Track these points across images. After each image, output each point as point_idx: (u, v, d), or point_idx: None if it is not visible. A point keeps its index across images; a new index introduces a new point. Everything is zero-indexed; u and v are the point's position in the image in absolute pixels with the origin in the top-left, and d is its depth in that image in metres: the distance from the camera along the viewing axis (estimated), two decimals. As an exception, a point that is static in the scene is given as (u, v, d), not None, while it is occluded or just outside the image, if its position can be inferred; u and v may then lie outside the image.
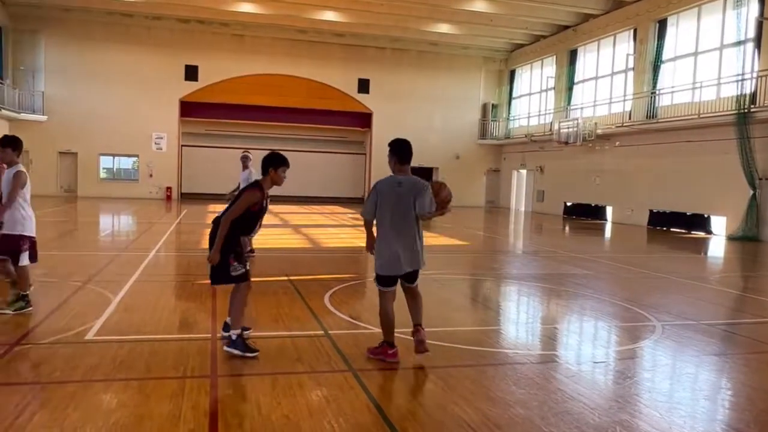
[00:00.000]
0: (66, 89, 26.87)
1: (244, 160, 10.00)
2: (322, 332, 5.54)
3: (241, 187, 8.39)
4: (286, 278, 8.28)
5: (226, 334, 4.90)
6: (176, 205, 24.83)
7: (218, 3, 24.71)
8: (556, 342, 5.90)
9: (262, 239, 13.41)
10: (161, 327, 5.70)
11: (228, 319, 5.01)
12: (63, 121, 26.56)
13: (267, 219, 18.16)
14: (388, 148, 4.84)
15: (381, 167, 34.06)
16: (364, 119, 30.91)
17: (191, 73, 28.33)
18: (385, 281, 4.82)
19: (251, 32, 28.24)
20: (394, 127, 30.40)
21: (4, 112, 24.21)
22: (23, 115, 25.71)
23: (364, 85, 30.34)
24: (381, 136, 30.46)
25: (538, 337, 6.14)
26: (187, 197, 28.95)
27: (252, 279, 8.18)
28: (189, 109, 28.58)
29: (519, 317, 7.22)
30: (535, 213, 27.91)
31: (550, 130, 26.10)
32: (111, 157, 28.53)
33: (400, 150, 4.77)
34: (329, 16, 25.73)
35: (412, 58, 30.61)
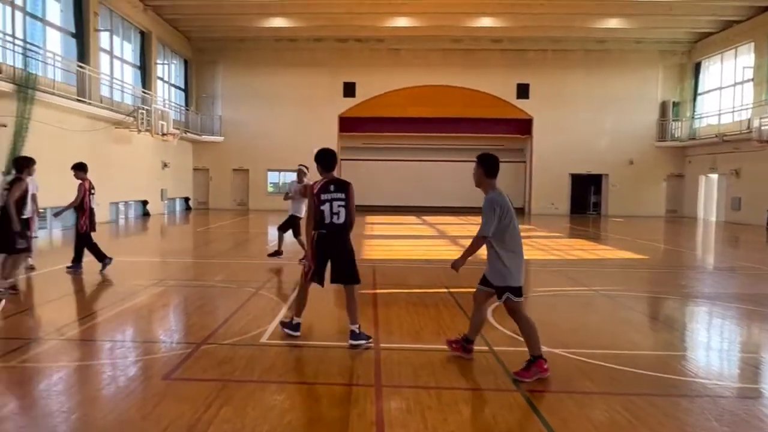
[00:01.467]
0: (239, 112, 30.16)
1: (300, 174, 10.78)
2: (486, 348, 5.42)
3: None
4: (446, 290, 8.29)
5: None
6: (335, 217, 26.33)
7: (375, 20, 25.95)
8: (762, 373, 5.10)
9: (420, 251, 13.66)
10: (326, 334, 6.02)
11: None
12: (236, 141, 29.82)
13: (423, 230, 18.32)
14: (475, 162, 5.26)
15: (542, 175, 33.16)
16: (523, 126, 30.15)
17: (349, 89, 30.06)
18: (520, 292, 4.84)
19: (406, 45, 29.19)
20: (557, 132, 29.30)
21: (189, 135, 27.92)
22: (204, 137, 29.42)
23: (523, 90, 29.63)
24: (543, 142, 29.49)
25: (739, 367, 5.36)
26: (346, 210, 30.59)
27: (412, 291, 8.35)
28: (347, 124, 30.31)
29: (712, 342, 6.38)
30: (729, 223, 24.75)
31: (748, 127, 23.04)
32: (277, 173, 31.26)
33: (492, 164, 5.24)
34: (486, 22, 25.62)
35: (576, 58, 29.21)
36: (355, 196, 5.61)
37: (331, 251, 5.45)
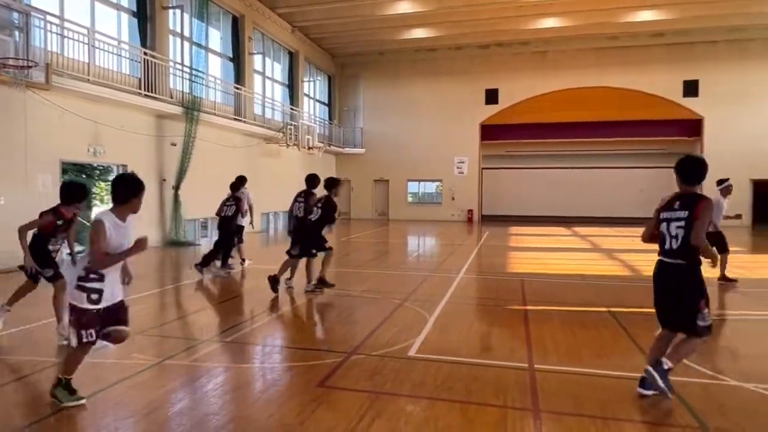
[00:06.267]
0: (379, 124, 31.19)
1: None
2: (660, 377, 4.94)
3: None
4: (605, 309, 7.76)
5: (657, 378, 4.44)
6: (477, 227, 26.09)
7: (519, 23, 25.41)
8: None
9: (573, 265, 12.99)
10: (477, 351, 5.91)
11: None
12: (377, 152, 30.84)
13: (574, 243, 17.47)
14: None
15: (715, 181, 29.91)
16: (691, 127, 27.58)
17: (491, 96, 29.71)
18: None
19: (554, 47, 28.20)
20: (734, 133, 26.40)
21: (332, 147, 29.42)
22: (347, 150, 30.84)
23: (691, 88, 27.13)
24: (716, 144, 26.74)
25: None
26: (488, 219, 30.17)
27: (568, 308, 7.93)
28: (489, 132, 29.94)
29: None
30: None
31: None
32: (417, 183, 31.74)
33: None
34: (646, 16, 23.90)
35: (756, 48, 26.14)
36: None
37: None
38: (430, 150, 30.08)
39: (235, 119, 20.15)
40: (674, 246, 4.37)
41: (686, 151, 28.57)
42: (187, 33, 18.42)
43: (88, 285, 4.10)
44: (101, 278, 4.13)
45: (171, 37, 17.46)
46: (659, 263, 4.54)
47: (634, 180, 29.55)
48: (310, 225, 8.87)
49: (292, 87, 26.55)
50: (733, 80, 26.32)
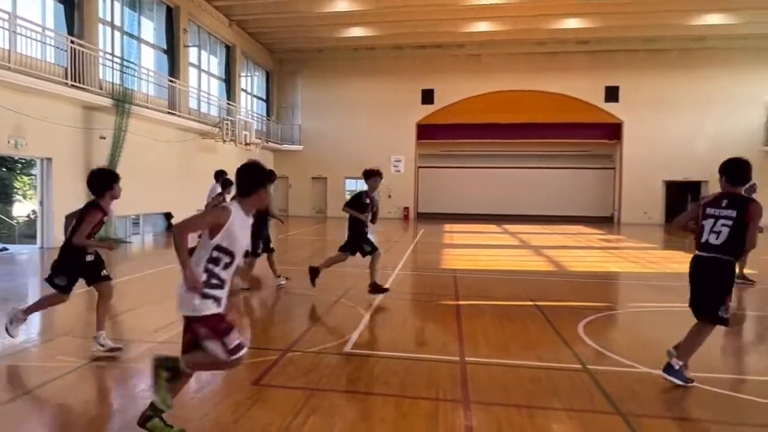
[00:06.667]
0: (318, 121, 30.98)
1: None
2: (580, 366, 5.20)
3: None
4: (532, 303, 8.05)
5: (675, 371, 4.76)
6: (413, 224, 26.39)
7: (455, 26, 25.86)
8: None
9: (503, 261, 13.38)
10: (411, 345, 6.00)
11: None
12: (315, 149, 30.62)
13: (504, 240, 17.92)
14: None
15: (633, 182, 31.62)
16: (612, 130, 28.95)
17: (427, 96, 30.11)
18: None
19: (487, 50, 28.86)
20: (650, 137, 27.90)
21: (270, 144, 28.97)
22: (284, 146, 30.44)
23: (612, 93, 28.48)
24: (634, 147, 28.21)
25: None
26: (424, 217, 30.59)
27: (497, 303, 8.18)
28: (425, 131, 30.34)
29: None
30: None
31: None
32: (354, 180, 31.72)
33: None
34: (571, 23, 24.88)
35: (672, 57, 27.72)
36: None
37: None
38: (368, 148, 30.12)
39: (169, 113, 19.47)
40: (715, 241, 4.58)
41: (609, 153, 30.19)
42: (117, 22, 17.63)
43: (211, 292, 3.45)
44: (222, 285, 3.51)
45: (101, 26, 16.65)
46: (696, 257, 4.76)
47: (560, 179, 30.66)
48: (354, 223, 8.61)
49: (229, 81, 25.94)
50: (650, 87, 27.80)
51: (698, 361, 5.61)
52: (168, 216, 19.56)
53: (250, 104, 28.83)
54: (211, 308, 3.43)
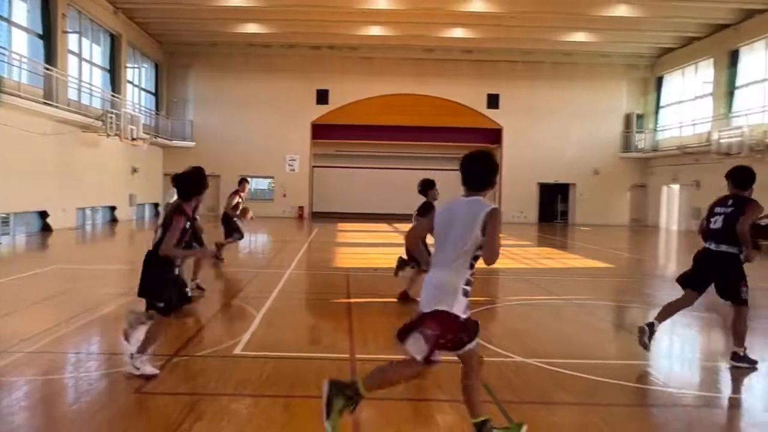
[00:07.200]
0: (211, 117, 29.77)
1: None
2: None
3: None
4: (419, 298, 8.26)
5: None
6: (308, 223, 26.20)
7: (348, 28, 25.96)
8: (726, 382, 5.22)
9: (392, 259, 13.63)
10: (302, 345, 5.95)
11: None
12: (208, 146, 29.35)
13: (395, 238, 18.22)
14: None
15: (511, 183, 33.30)
16: (493, 135, 30.49)
17: (322, 96, 29.98)
18: None
19: (379, 54, 29.27)
20: (526, 142, 29.72)
21: (159, 139, 27.43)
22: (175, 142, 28.93)
23: (493, 101, 30.01)
24: (512, 152, 29.88)
25: (706, 376, 5.48)
26: (318, 216, 30.44)
27: (387, 300, 8.31)
28: (320, 131, 30.19)
29: (678, 350, 6.54)
30: (690, 232, 25.44)
31: (708, 140, 23.76)
32: (249, 179, 30.90)
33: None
34: (458, 33, 25.89)
35: (545, 70, 29.72)
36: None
37: None
38: (263, 146, 29.46)
39: (45, 103, 17.76)
40: (719, 234, 5.16)
41: (490, 156, 31.69)
42: (-17, 3, 15.84)
43: (470, 290, 3.36)
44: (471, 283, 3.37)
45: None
46: (705, 249, 5.32)
47: (447, 181, 31.76)
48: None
49: (114, 72, 24.19)
50: (527, 96, 29.60)
51: (561, 349, 6.06)
52: (43, 215, 17.90)
53: (137, 97, 27.08)
54: (465, 311, 3.38)
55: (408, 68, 29.45)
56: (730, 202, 5.27)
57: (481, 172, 3.47)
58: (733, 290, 5.19)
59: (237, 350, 5.51)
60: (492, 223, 3.29)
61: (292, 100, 29.58)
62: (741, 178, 5.36)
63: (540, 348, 5.91)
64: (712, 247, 5.27)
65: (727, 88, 24.15)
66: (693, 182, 25.96)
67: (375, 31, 25.83)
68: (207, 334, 6.12)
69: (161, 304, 4.58)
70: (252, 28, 26.01)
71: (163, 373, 4.78)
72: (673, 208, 28.29)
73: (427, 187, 8.06)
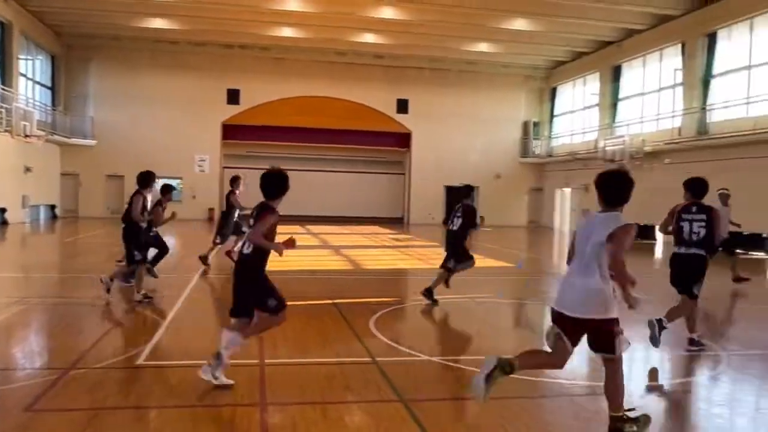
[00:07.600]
0: (114, 114, 27.97)
1: None
2: (370, 359, 5.48)
3: None
4: (330, 302, 8.27)
5: None
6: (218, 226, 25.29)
7: (260, 28, 25.42)
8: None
9: (305, 261, 13.52)
10: (210, 352, 5.73)
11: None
12: (111, 145, 27.60)
13: (306, 240, 18.06)
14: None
15: (420, 186, 34.02)
16: (403, 139, 31.05)
17: (233, 96, 29.13)
18: None
19: (291, 55, 28.90)
20: (433, 147, 30.51)
21: (56, 137, 25.43)
22: (74, 140, 26.92)
23: (403, 106, 30.55)
24: (420, 155, 30.57)
25: (593, 367, 5.91)
26: (229, 218, 29.49)
27: (297, 302, 8.23)
28: (231, 131, 29.32)
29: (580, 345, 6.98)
30: (579, 233, 27.27)
31: (595, 147, 25.60)
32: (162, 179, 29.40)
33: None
34: (369, 38, 26.11)
35: (451, 77, 30.65)
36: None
37: None
38: (171, 146, 28.12)
39: None
40: (694, 239, 5.72)
41: (401, 160, 32.32)
42: None
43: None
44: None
45: None
46: (675, 253, 5.89)
47: (358, 183, 31.92)
48: (455, 234, 8.40)
49: (4, 64, 22.16)
50: (434, 102, 30.39)
51: (463, 346, 6.29)
52: None
53: (31, 91, 24.95)
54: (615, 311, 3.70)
55: (320, 71, 29.30)
56: (695, 209, 5.86)
57: (616, 189, 3.67)
58: (691, 286, 5.83)
59: (140, 360, 5.24)
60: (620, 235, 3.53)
61: (202, 99, 28.51)
62: (699, 188, 5.99)
63: (443, 346, 6.10)
64: (682, 251, 5.89)
65: (611, 100, 26.16)
66: (582, 186, 27.85)
67: (287, 32, 25.49)
68: (108, 344, 5.76)
69: (274, 303, 4.76)
70: (159, 23, 24.81)
71: (56, 388, 4.45)
72: (565, 210, 30.18)
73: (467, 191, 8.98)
